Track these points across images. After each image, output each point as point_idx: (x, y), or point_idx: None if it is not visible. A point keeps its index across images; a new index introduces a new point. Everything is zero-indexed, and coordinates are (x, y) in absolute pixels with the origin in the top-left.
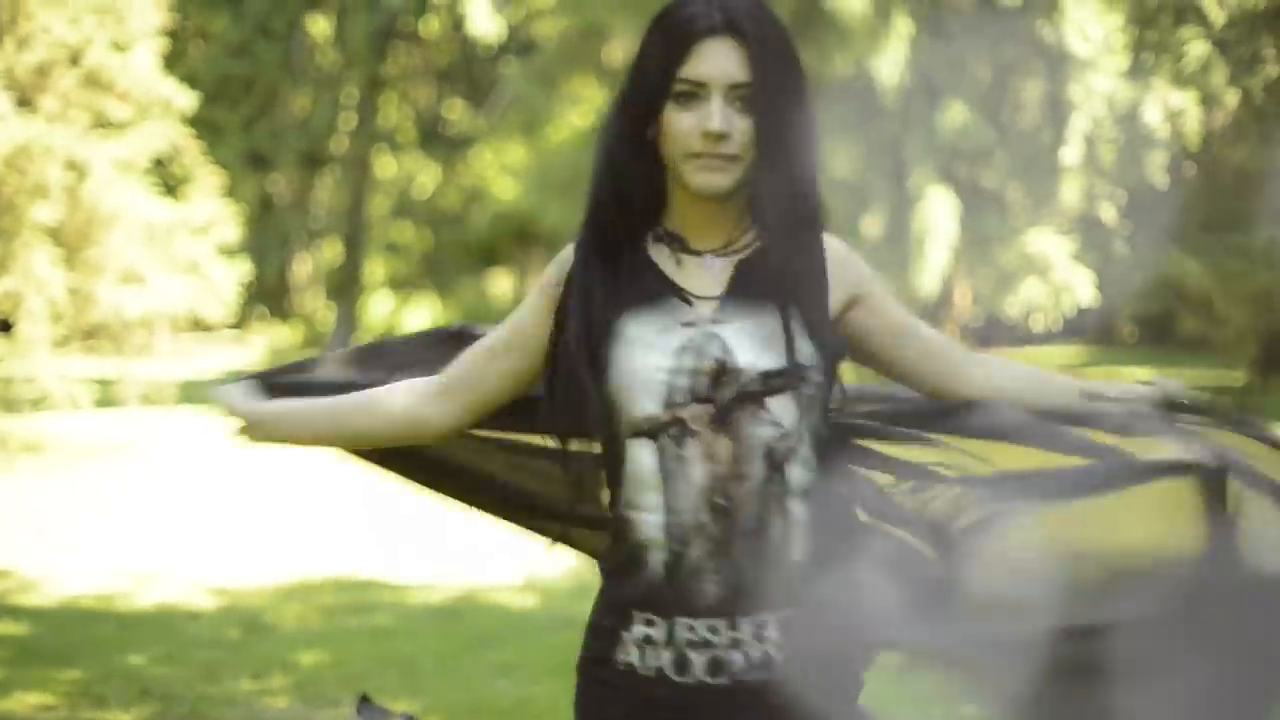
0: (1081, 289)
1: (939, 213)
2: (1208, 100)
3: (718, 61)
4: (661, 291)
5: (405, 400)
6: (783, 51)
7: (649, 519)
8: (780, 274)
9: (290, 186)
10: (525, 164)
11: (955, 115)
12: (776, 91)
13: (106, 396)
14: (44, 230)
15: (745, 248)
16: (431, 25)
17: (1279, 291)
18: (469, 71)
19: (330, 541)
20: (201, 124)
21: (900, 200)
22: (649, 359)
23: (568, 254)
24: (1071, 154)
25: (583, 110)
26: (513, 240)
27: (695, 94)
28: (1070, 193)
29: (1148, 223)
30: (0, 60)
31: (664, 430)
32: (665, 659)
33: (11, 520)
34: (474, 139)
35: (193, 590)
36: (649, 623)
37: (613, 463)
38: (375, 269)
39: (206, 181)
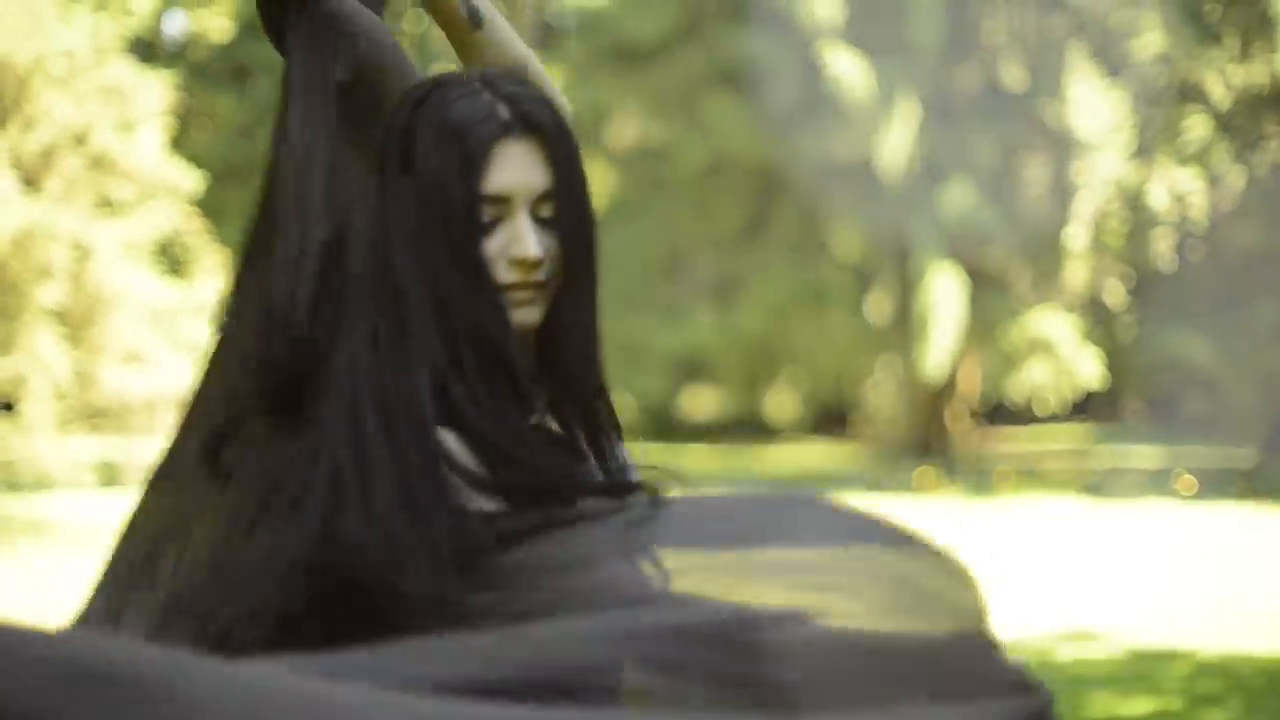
0: (1088, 369)
1: (944, 294)
2: (1213, 180)
3: (519, 170)
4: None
5: None
6: (578, 150)
7: None
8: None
9: None
10: None
11: (959, 197)
12: (582, 200)
13: (110, 477)
14: (48, 311)
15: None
16: None
17: None
18: None
19: None
20: (206, 205)
21: (905, 282)
22: None
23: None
24: (1077, 235)
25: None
26: None
27: (496, 215)
28: (1076, 273)
29: (1154, 303)
30: (6, 142)
31: None
32: None
33: (13, 602)
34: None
35: None
36: None
37: None
38: None
39: (211, 262)
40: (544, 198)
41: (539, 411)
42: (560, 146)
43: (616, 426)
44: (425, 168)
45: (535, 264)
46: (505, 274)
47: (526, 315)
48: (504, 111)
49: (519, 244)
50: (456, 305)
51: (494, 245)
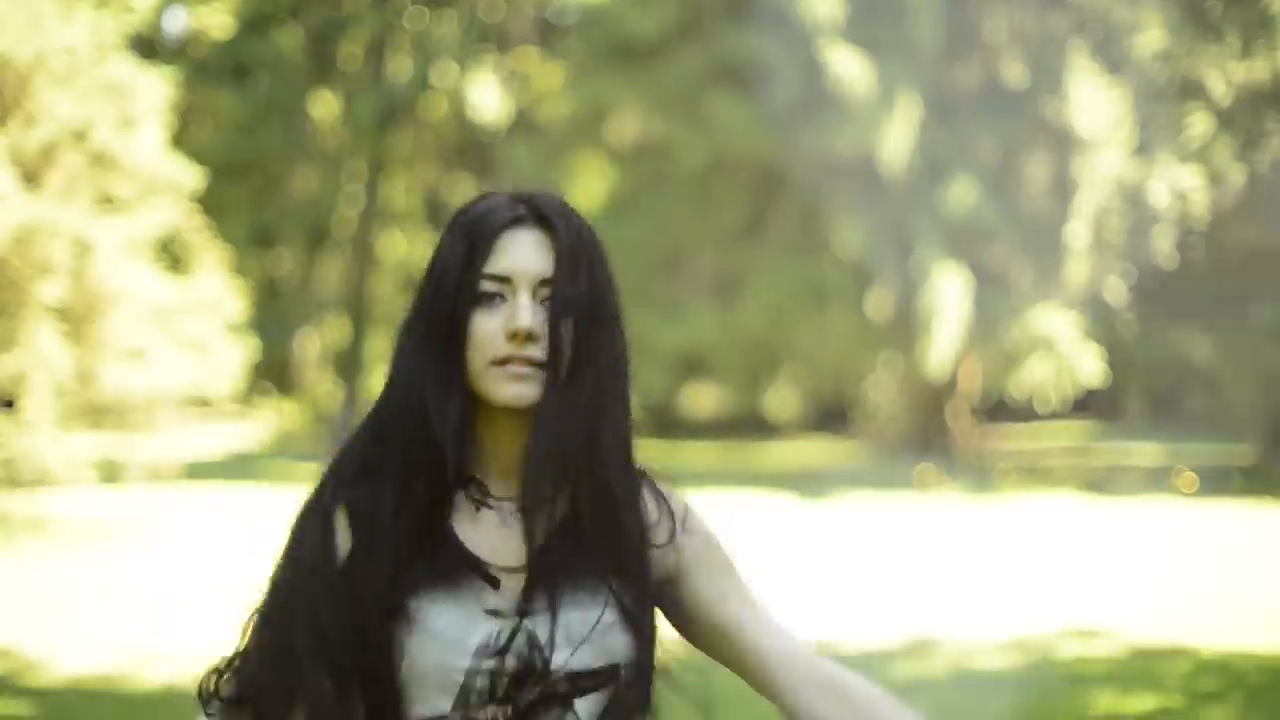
0: (1088, 367)
1: (945, 291)
2: (1214, 178)
3: (523, 253)
4: (459, 568)
5: None
6: (591, 247)
7: None
8: (592, 543)
9: (296, 264)
10: None
11: (961, 194)
12: (587, 289)
13: (110, 474)
14: (49, 308)
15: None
16: (438, 106)
17: None
18: (475, 151)
19: None
20: (207, 202)
21: (906, 279)
22: (446, 657)
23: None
24: (1078, 232)
25: (588, 189)
26: None
27: (499, 293)
28: (1077, 271)
29: (1155, 300)
30: (6, 139)
31: None
32: None
33: (13, 599)
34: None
35: (197, 670)
36: None
37: None
38: (380, 347)
39: (212, 259)
40: (547, 284)
41: (470, 487)
42: (567, 238)
43: (630, 498)
44: (440, 254)
45: (527, 336)
46: (502, 348)
47: (522, 389)
48: (518, 207)
49: (513, 317)
50: (414, 373)
51: (494, 322)
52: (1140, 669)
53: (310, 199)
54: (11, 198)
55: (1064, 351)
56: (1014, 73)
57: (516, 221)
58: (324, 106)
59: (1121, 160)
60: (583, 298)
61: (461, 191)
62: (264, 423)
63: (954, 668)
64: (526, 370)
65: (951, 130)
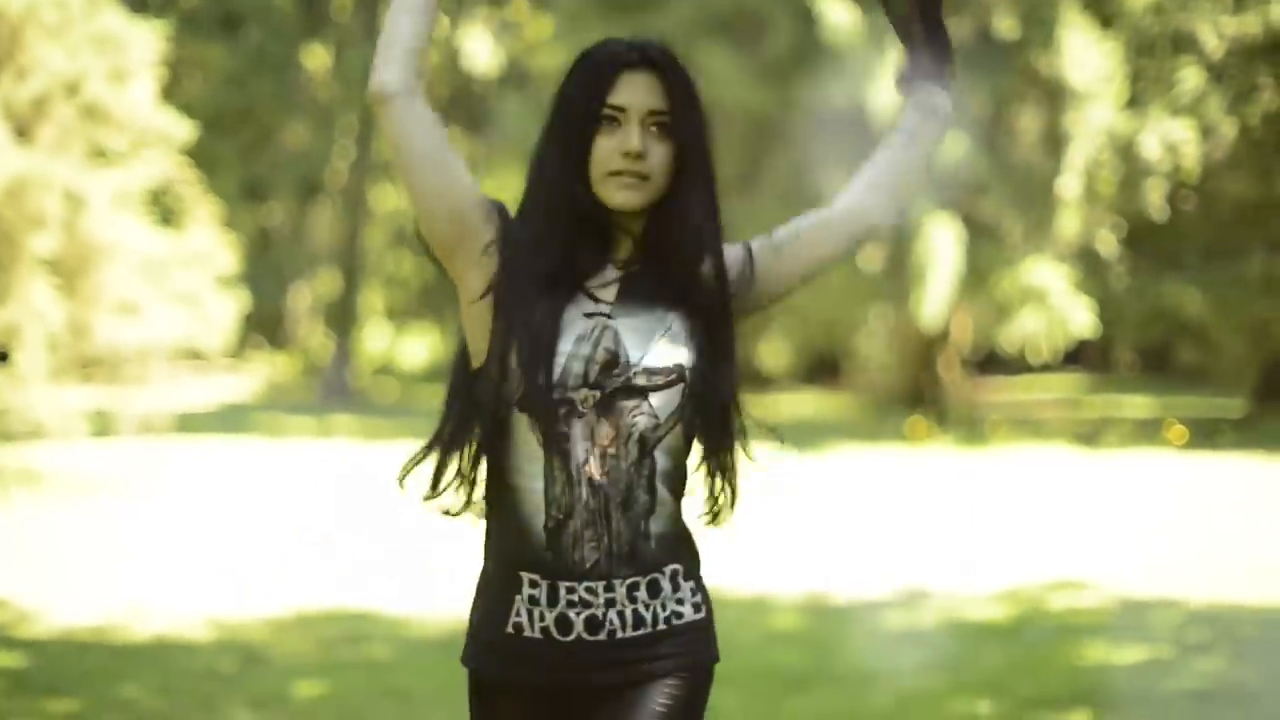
0: (1079, 319)
1: (937, 244)
2: (1206, 131)
3: (637, 91)
4: (570, 283)
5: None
6: (691, 88)
7: (533, 486)
8: (671, 285)
9: (288, 217)
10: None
11: (953, 146)
12: (688, 121)
13: (102, 427)
14: (41, 261)
15: (637, 263)
16: (430, 57)
17: (1277, 321)
18: (467, 102)
19: (327, 573)
20: (198, 155)
21: (898, 231)
22: (554, 343)
23: (496, 213)
24: (1069, 185)
25: None
26: None
27: (616, 119)
28: (1068, 223)
29: (1146, 253)
30: None
31: (554, 407)
32: (550, 619)
33: (6, 551)
34: (472, 169)
35: (188, 621)
36: (534, 584)
37: (498, 431)
38: (373, 300)
39: (203, 212)
40: (656, 114)
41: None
42: (675, 81)
43: (724, 297)
44: (567, 87)
45: (637, 155)
46: (617, 162)
47: (629, 196)
48: (634, 52)
49: (628, 139)
50: (551, 172)
51: (612, 142)
52: (1130, 620)
53: (302, 152)
54: (3, 151)
55: (1055, 304)
56: (1006, 25)
57: (632, 64)
58: (315, 59)
59: (1113, 113)
60: (686, 127)
61: (455, 142)
62: (256, 375)
63: (945, 619)
64: (634, 181)
65: None
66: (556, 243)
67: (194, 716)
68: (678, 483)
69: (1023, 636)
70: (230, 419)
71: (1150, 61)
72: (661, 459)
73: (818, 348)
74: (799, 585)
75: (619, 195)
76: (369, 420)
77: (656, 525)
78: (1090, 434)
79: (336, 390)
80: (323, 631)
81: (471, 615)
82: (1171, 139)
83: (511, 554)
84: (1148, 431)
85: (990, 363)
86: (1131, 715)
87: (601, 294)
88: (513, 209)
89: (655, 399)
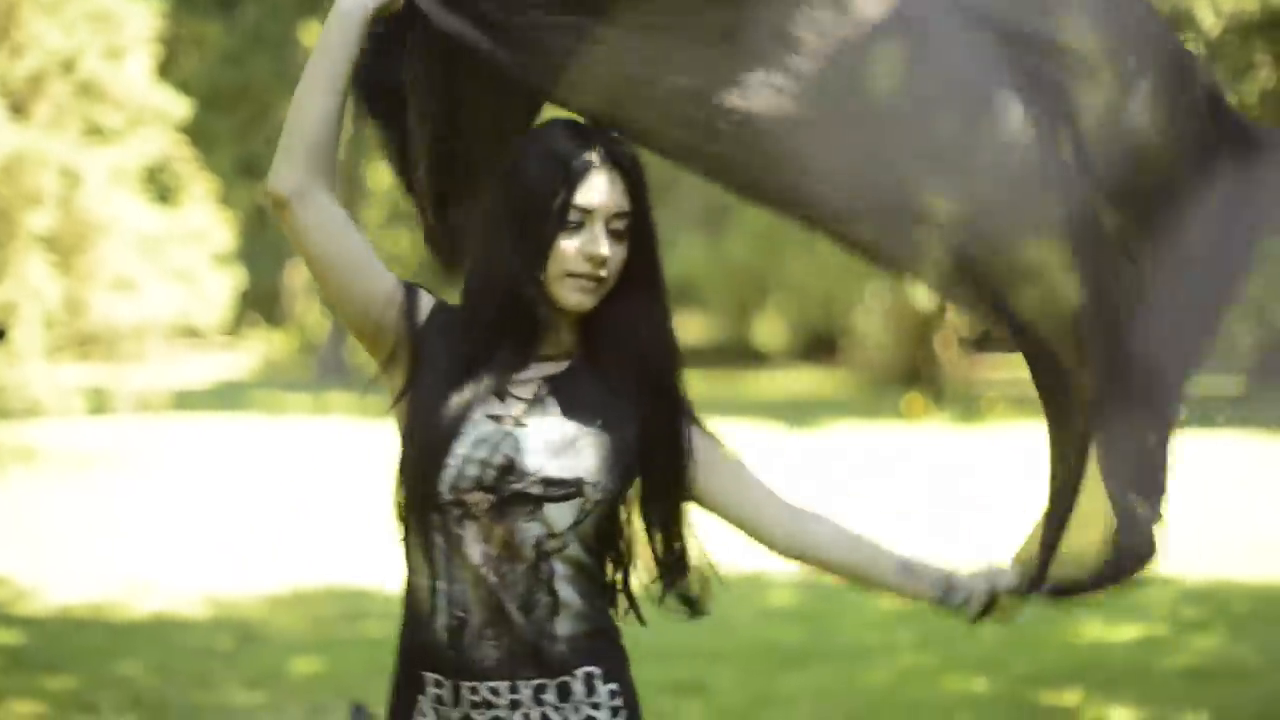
0: None
1: None
2: None
3: (603, 192)
4: (487, 380)
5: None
6: (647, 188)
7: (435, 586)
8: (592, 392)
9: None
10: None
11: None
12: (649, 225)
13: (99, 404)
14: (37, 238)
15: (565, 361)
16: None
17: (1273, 299)
18: None
19: (324, 550)
20: (195, 132)
21: None
22: (458, 448)
23: (428, 304)
24: None
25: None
26: None
27: (580, 221)
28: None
29: None
30: None
31: (448, 508)
32: (454, 718)
33: (4, 529)
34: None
35: (185, 599)
36: (438, 684)
37: (406, 526)
38: None
39: (200, 189)
40: (618, 217)
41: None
42: (637, 182)
43: (681, 404)
44: (526, 179)
45: (602, 261)
46: (579, 265)
47: (585, 299)
48: (601, 150)
49: (595, 243)
50: (502, 266)
51: (575, 243)
52: (1125, 598)
53: None
54: None
55: None
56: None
57: (599, 163)
58: (312, 36)
59: None
60: (649, 232)
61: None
62: (252, 352)
63: None
64: (592, 285)
65: None
66: (482, 335)
67: (191, 693)
68: (589, 585)
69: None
70: (227, 396)
71: None
72: (561, 566)
73: (814, 325)
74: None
75: (574, 297)
76: (365, 397)
77: (564, 627)
78: None
79: (333, 367)
80: (320, 609)
81: (389, 694)
82: None
83: (417, 653)
84: None
85: (987, 340)
86: (1127, 693)
87: (518, 392)
88: None
89: (551, 510)
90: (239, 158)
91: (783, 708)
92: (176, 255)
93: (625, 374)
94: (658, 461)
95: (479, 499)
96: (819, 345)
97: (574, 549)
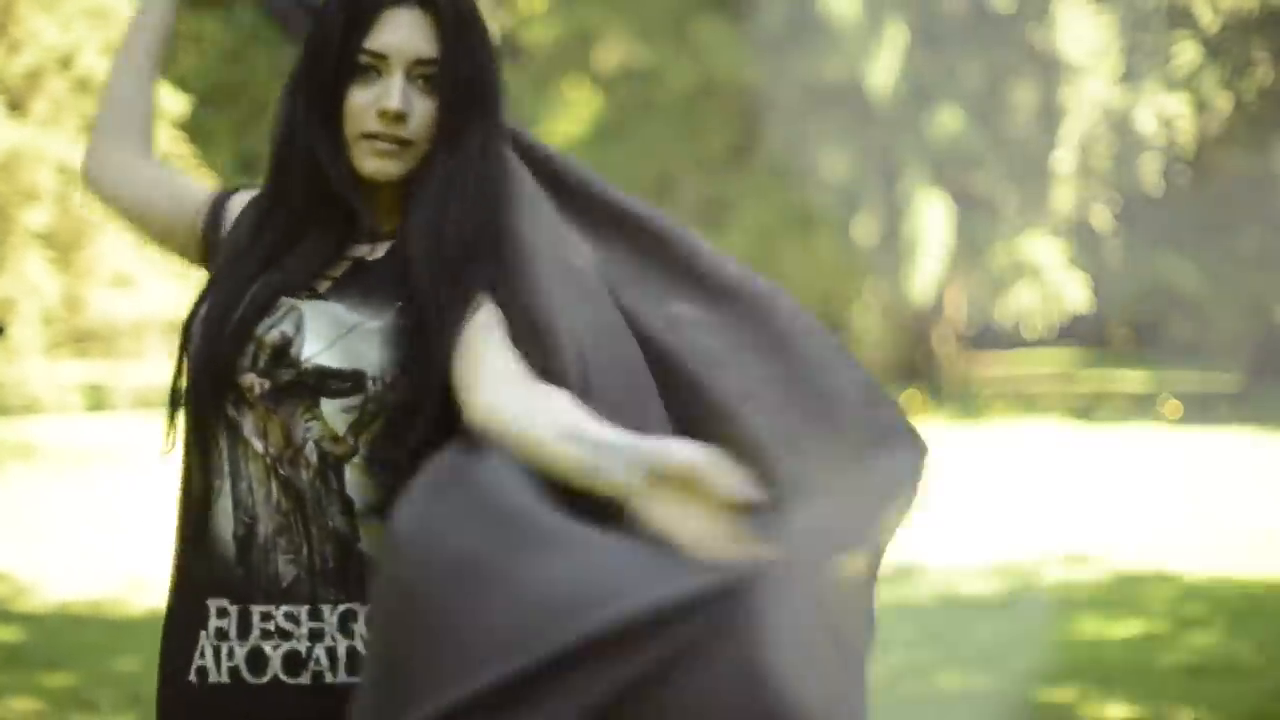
0: (1074, 293)
1: (931, 218)
2: (1201, 105)
3: (402, 33)
4: (289, 257)
5: (128, 117)
6: (475, 28)
7: (213, 484)
8: (400, 278)
9: None
10: None
11: (947, 120)
12: (465, 72)
13: (97, 401)
14: (35, 235)
15: (388, 239)
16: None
17: (1271, 295)
18: None
19: None
20: (193, 129)
21: (892, 205)
22: (234, 323)
23: (243, 200)
24: (1064, 159)
25: (574, 114)
26: None
27: (375, 68)
28: (1063, 198)
29: (1141, 227)
30: None
31: (225, 392)
32: (240, 656)
33: (2, 525)
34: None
35: None
36: (222, 613)
37: (187, 429)
38: None
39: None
40: (425, 63)
41: (354, 240)
42: (452, 20)
43: (480, 282)
44: (320, 24)
45: (396, 116)
46: (371, 123)
47: (385, 165)
48: None
49: (385, 96)
50: (292, 131)
51: (366, 96)
52: (1125, 594)
53: None
54: None
55: (1050, 278)
56: None
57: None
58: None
59: (1108, 87)
60: (460, 82)
61: None
62: None
63: (940, 593)
64: (391, 147)
65: (938, 56)
66: (284, 218)
67: None
68: (389, 504)
69: (1016, 610)
70: None
71: (1145, 35)
72: (355, 476)
73: None
74: None
75: (371, 163)
76: None
77: (370, 545)
78: (1085, 408)
79: None
80: None
81: (162, 643)
82: (1167, 113)
83: (196, 578)
84: (1142, 406)
85: (985, 337)
86: (1124, 689)
87: (328, 273)
88: None
89: (327, 407)
90: (237, 154)
91: None
92: None
93: (428, 258)
94: (419, 359)
95: (252, 382)
96: None
97: (365, 456)
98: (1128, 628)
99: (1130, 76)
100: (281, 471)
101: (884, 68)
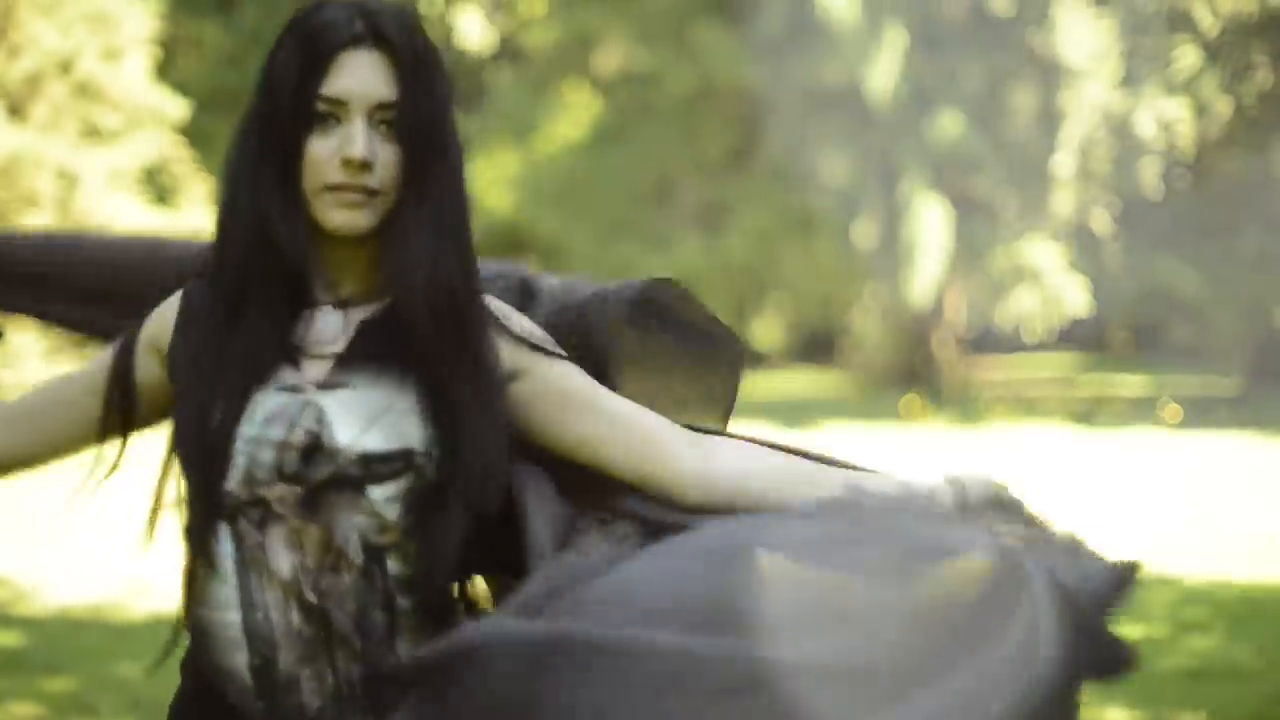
0: (1074, 297)
1: (930, 222)
2: (1201, 109)
3: (360, 76)
4: (266, 349)
5: None
6: (434, 68)
7: (228, 619)
8: (411, 338)
9: None
10: (517, 174)
11: (947, 124)
12: (428, 114)
13: None
14: None
15: (375, 301)
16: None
17: (1271, 299)
18: (460, 79)
19: None
20: (193, 133)
21: (892, 209)
22: (246, 429)
23: (172, 304)
24: (1064, 163)
25: (574, 118)
26: (505, 250)
27: (334, 115)
28: (1063, 202)
29: (1140, 231)
30: None
31: (242, 512)
32: None
33: (3, 529)
34: (466, 148)
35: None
36: None
37: (187, 552)
38: None
39: (198, 191)
40: (385, 107)
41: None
42: (411, 61)
43: (477, 334)
44: (273, 68)
45: (361, 165)
46: (335, 174)
47: (353, 217)
48: (357, 24)
49: (348, 144)
50: (245, 188)
51: (328, 146)
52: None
53: None
54: None
55: (1049, 282)
56: (1000, 3)
57: (355, 40)
58: None
59: (1108, 91)
60: (424, 125)
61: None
62: None
63: None
64: (358, 198)
65: (938, 61)
66: (237, 289)
67: None
68: (430, 589)
69: None
70: None
71: (1145, 39)
72: (396, 566)
73: (812, 326)
74: None
75: (337, 216)
76: None
77: (404, 649)
78: (1085, 412)
79: None
80: None
81: None
82: (1166, 117)
83: (206, 708)
84: (1142, 409)
85: (985, 341)
86: (1124, 692)
87: (318, 351)
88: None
89: (375, 494)
90: None
91: None
92: None
93: (421, 319)
94: (455, 432)
95: (282, 493)
96: (817, 346)
97: (406, 540)
98: (1128, 631)
99: (1130, 80)
100: (313, 592)
101: (883, 71)
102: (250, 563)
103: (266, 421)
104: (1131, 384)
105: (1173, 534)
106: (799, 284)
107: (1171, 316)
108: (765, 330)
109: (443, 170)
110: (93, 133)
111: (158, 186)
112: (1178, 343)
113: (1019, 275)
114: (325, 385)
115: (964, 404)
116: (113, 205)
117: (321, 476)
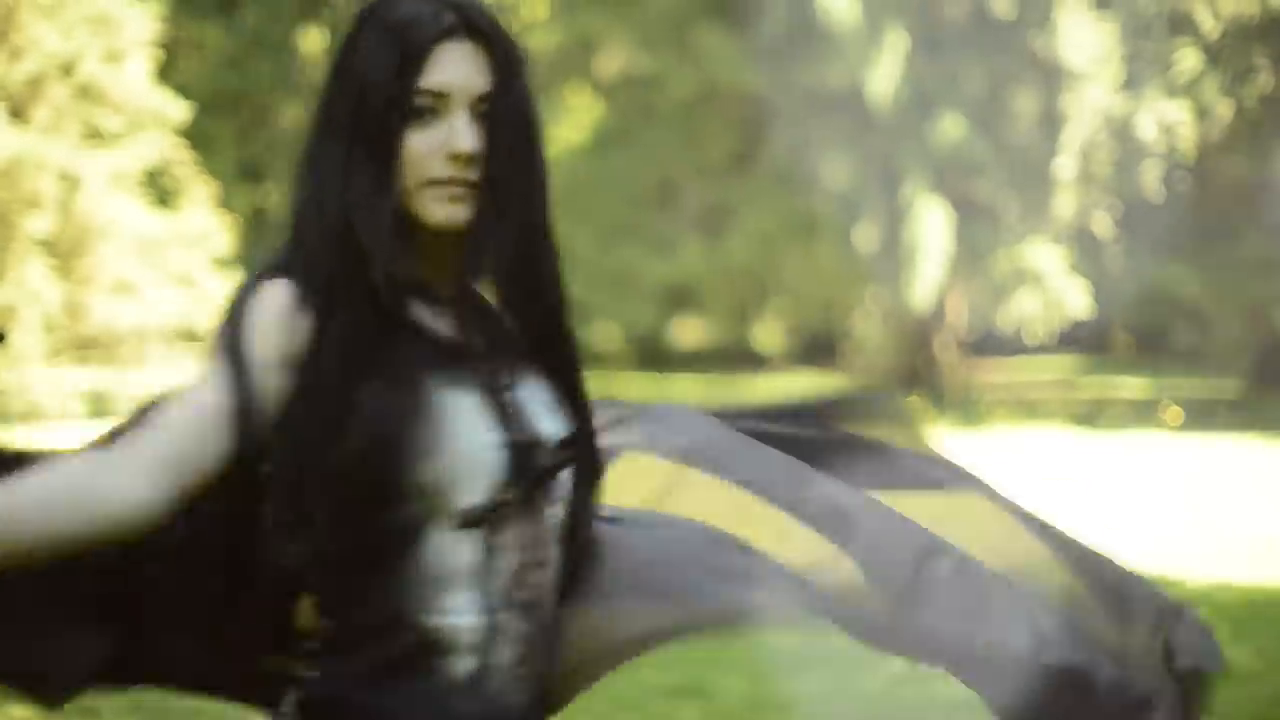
0: (1076, 300)
1: (932, 225)
2: (1202, 112)
3: (461, 68)
4: (442, 348)
5: (111, 482)
6: (522, 59)
7: (460, 623)
8: (527, 325)
9: (284, 198)
10: None
11: (949, 127)
12: (523, 103)
13: (99, 408)
14: (37, 242)
15: (470, 293)
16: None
17: (1272, 302)
18: None
19: None
20: (194, 136)
21: (893, 212)
22: (477, 435)
23: (284, 302)
24: (1065, 166)
25: (576, 121)
26: None
27: (433, 108)
28: (1064, 204)
29: (1142, 234)
30: None
31: (481, 518)
32: None
33: None
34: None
35: None
36: None
37: (390, 562)
38: None
39: (199, 193)
40: (484, 99)
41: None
42: (502, 52)
43: (563, 324)
44: (364, 65)
45: (470, 158)
46: (440, 168)
47: (455, 212)
48: (449, 16)
49: (456, 138)
50: (338, 185)
51: (431, 140)
52: None
53: (298, 133)
54: None
55: (1051, 285)
56: (1002, 5)
57: (449, 32)
58: (312, 41)
59: (1109, 94)
60: (519, 114)
61: None
62: None
63: None
64: (462, 192)
65: (939, 63)
66: (377, 278)
67: (193, 702)
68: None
69: None
70: None
71: (1146, 42)
72: (560, 555)
73: (814, 328)
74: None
75: (441, 210)
76: None
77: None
78: (1086, 415)
79: None
80: None
81: None
82: (1167, 120)
83: (416, 713)
84: (1144, 412)
85: (986, 344)
86: None
87: (468, 349)
88: None
89: (564, 481)
90: (239, 161)
91: (780, 712)
92: (176, 259)
93: (532, 309)
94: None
95: (514, 494)
96: (818, 349)
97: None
98: None
99: (1131, 83)
100: (526, 592)
101: (885, 74)
102: (479, 570)
103: (475, 424)
104: (1133, 386)
105: (1173, 536)
106: (801, 287)
107: (1173, 319)
108: (767, 333)
109: (534, 159)
110: (94, 135)
111: (159, 188)
112: (1179, 345)
113: (1020, 278)
114: (506, 381)
115: (965, 406)
116: (114, 207)
117: (541, 472)
